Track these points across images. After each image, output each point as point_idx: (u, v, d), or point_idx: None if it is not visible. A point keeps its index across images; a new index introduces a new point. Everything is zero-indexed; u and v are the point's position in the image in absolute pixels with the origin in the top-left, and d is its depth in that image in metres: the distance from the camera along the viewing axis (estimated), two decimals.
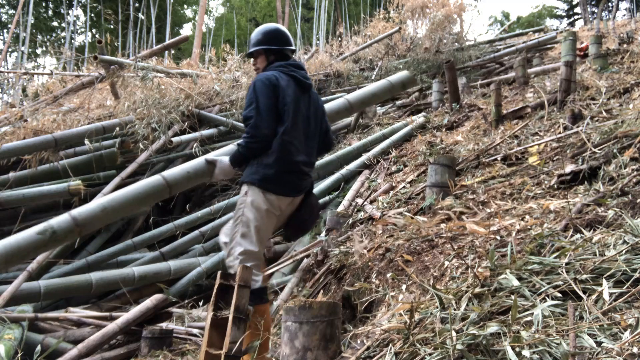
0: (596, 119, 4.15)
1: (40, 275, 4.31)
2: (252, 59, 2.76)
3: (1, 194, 4.43)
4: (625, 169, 2.81)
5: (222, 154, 2.72)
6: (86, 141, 5.22)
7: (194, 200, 6.60)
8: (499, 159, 4.09)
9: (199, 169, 2.72)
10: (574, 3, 32.10)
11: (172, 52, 20.63)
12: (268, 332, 2.34)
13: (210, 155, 2.75)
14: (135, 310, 3.47)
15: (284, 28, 2.76)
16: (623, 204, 2.28)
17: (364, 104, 3.89)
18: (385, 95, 4.10)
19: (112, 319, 3.49)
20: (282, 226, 2.71)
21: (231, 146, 2.84)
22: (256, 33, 2.69)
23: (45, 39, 23.19)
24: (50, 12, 24.11)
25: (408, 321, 1.70)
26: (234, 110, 6.79)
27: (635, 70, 5.51)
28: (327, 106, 3.20)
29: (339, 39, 13.73)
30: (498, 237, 2.40)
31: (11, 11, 22.34)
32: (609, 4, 26.07)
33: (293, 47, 2.74)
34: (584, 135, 3.67)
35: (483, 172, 3.95)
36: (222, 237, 2.57)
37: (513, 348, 1.36)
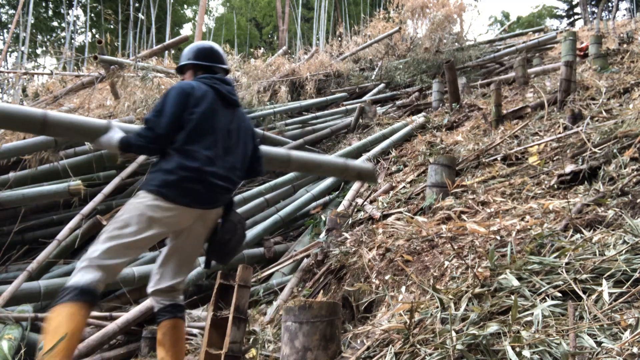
0: (596, 119, 4.15)
1: (40, 275, 4.30)
2: (181, 75, 2.65)
3: (1, 194, 4.43)
4: (625, 169, 2.81)
5: (128, 130, 2.49)
6: None
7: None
8: (499, 159, 4.09)
9: (87, 124, 2.55)
10: (574, 3, 32.10)
11: (172, 52, 20.62)
12: (72, 341, 1.97)
13: (119, 125, 2.58)
14: (135, 310, 3.47)
15: (218, 47, 2.67)
16: (623, 204, 2.28)
17: (304, 167, 3.37)
18: (331, 172, 3.78)
19: (112, 319, 3.49)
20: (204, 251, 2.49)
21: (139, 127, 2.55)
22: (188, 49, 2.61)
23: (45, 39, 23.18)
24: (50, 12, 24.10)
25: (408, 321, 1.70)
26: None
27: (635, 70, 5.51)
28: (266, 149, 3.02)
29: (339, 39, 13.73)
30: (498, 237, 2.40)
31: (11, 11, 22.35)
32: (609, 4, 26.07)
33: (226, 67, 2.63)
34: (584, 135, 3.67)
35: (483, 172, 3.95)
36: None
37: (513, 348, 1.36)
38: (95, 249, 2.15)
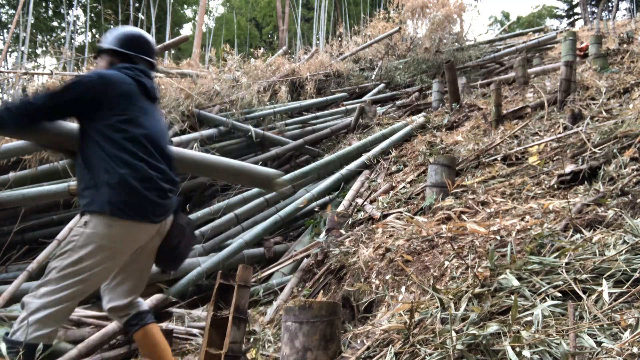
0: (596, 119, 4.15)
1: (40, 275, 4.30)
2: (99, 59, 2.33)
3: (1, 194, 4.43)
4: (625, 169, 2.81)
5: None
6: None
7: (194, 200, 6.60)
8: (499, 159, 4.09)
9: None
10: (574, 3, 32.10)
11: (172, 52, 20.63)
12: None
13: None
14: None
15: (149, 37, 2.39)
16: (623, 204, 2.28)
17: (191, 168, 2.91)
18: (224, 176, 3.39)
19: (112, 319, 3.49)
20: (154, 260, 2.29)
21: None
22: (111, 32, 2.32)
23: (45, 39, 23.18)
24: (50, 12, 24.10)
25: (408, 321, 1.70)
26: (234, 110, 6.80)
27: (635, 70, 5.51)
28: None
29: (339, 39, 13.72)
30: (498, 237, 2.40)
31: (11, 11, 22.35)
32: (609, 4, 26.07)
33: (152, 60, 2.33)
34: (584, 135, 3.67)
35: (483, 172, 3.95)
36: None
37: (513, 348, 1.36)
38: (45, 292, 1.90)
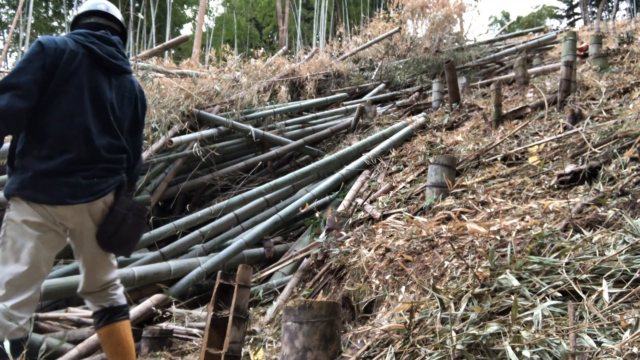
0: (596, 119, 4.15)
1: None
2: None
3: (1, 194, 4.42)
4: (625, 169, 2.81)
5: None
6: None
7: (194, 200, 6.60)
8: (499, 159, 4.09)
9: None
10: (574, 3, 32.11)
11: (172, 52, 20.63)
12: None
13: None
14: (135, 310, 3.47)
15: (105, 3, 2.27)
16: (623, 204, 2.28)
17: None
18: None
19: None
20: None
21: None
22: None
23: None
24: (50, 12, 24.12)
25: (408, 321, 1.70)
26: (234, 110, 6.80)
27: (635, 70, 5.51)
28: None
29: (339, 39, 13.73)
30: (498, 237, 2.40)
31: (11, 11, 22.36)
32: (609, 4, 26.07)
33: (115, 24, 2.24)
34: (584, 135, 3.67)
35: (483, 172, 3.95)
36: None
37: (513, 348, 1.36)
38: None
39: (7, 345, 1.66)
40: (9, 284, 1.86)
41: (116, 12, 2.31)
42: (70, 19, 21.89)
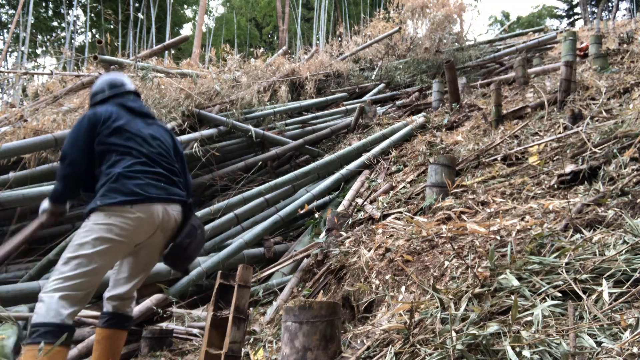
0: (596, 119, 4.15)
1: (40, 276, 4.31)
2: None
3: (1, 194, 4.42)
4: (625, 169, 2.81)
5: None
6: None
7: (194, 200, 6.60)
8: (499, 159, 4.09)
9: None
10: (574, 3, 32.12)
11: (172, 52, 20.62)
12: None
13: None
14: (135, 311, 3.46)
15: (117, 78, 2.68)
16: (623, 204, 2.28)
17: None
18: None
19: None
20: (163, 256, 2.44)
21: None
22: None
23: (45, 39, 23.17)
24: (50, 12, 24.10)
25: (408, 321, 1.70)
26: (234, 110, 6.79)
27: (635, 70, 5.51)
28: None
29: (339, 39, 13.73)
30: (498, 237, 2.40)
31: (11, 11, 22.34)
32: (609, 4, 26.08)
33: (128, 90, 2.65)
34: (584, 135, 3.67)
35: (483, 172, 3.95)
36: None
37: (513, 348, 1.36)
38: (59, 277, 2.08)
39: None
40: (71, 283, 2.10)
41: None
42: (70, 18, 21.90)
